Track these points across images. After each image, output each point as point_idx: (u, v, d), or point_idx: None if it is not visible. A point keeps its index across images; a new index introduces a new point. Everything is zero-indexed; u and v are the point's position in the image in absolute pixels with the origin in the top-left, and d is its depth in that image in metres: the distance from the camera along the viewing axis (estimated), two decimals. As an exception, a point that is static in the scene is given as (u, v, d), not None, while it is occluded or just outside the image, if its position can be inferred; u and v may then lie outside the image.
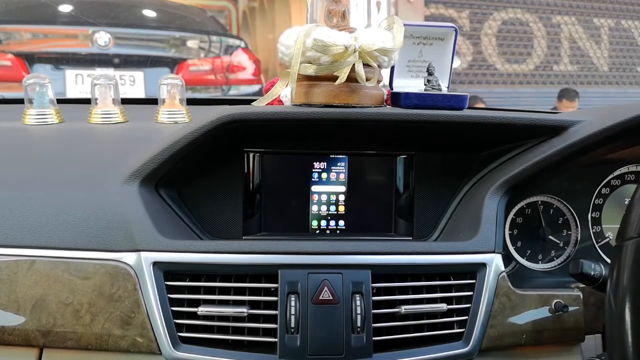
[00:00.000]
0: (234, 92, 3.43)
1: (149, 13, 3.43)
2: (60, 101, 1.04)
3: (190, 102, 1.06)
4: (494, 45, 6.36)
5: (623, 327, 0.60)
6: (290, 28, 0.86)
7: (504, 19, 6.37)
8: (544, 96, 6.28)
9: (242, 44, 3.61)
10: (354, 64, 0.82)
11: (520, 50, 6.49)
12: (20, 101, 1.04)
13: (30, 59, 2.94)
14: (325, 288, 0.78)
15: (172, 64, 3.25)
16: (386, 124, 0.86)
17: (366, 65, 0.84)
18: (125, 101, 1.06)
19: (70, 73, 3.00)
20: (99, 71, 3.11)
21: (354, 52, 0.82)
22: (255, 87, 3.42)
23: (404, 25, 0.87)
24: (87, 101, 1.05)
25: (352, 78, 0.83)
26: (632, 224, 0.63)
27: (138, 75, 3.11)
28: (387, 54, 0.84)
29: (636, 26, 7.02)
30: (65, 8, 3.15)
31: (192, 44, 3.39)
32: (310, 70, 0.82)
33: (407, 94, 0.88)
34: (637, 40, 7.05)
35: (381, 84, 0.92)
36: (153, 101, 1.08)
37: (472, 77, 6.29)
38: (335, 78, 0.82)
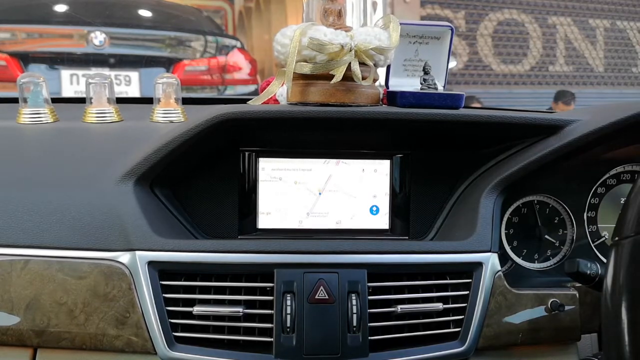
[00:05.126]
0: (230, 92, 3.43)
1: (145, 13, 3.43)
2: (55, 100, 1.04)
3: (186, 101, 1.06)
4: (490, 46, 6.37)
5: (619, 326, 0.60)
6: (286, 27, 0.86)
7: (500, 20, 6.38)
8: (540, 97, 6.29)
9: (238, 44, 3.61)
10: (350, 63, 0.82)
11: (516, 51, 6.50)
12: (14, 100, 1.03)
13: (25, 59, 2.93)
14: (321, 287, 0.78)
15: (168, 63, 3.25)
16: (382, 122, 0.86)
17: (362, 64, 0.84)
18: (120, 100, 1.06)
19: (65, 73, 2.99)
20: (94, 71, 3.11)
21: (350, 50, 0.81)
22: (252, 87, 3.42)
23: (400, 24, 0.87)
24: (82, 100, 1.04)
25: (348, 77, 0.83)
26: (628, 223, 0.63)
27: (134, 75, 3.10)
28: (384, 52, 0.84)
29: (631, 27, 7.04)
30: (61, 8, 3.14)
31: (188, 43, 3.38)
32: (306, 69, 0.82)
33: (403, 93, 0.88)
34: (632, 41, 7.07)
35: (377, 83, 0.91)
36: (148, 100, 1.07)
37: (468, 78, 6.29)
38: (331, 77, 0.82)
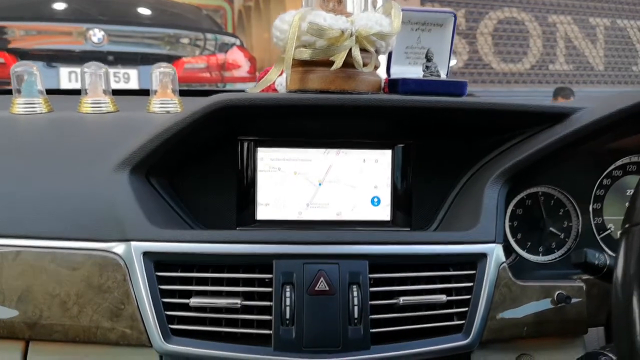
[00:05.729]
0: (229, 89, 3.42)
1: (144, 10, 3.41)
2: (50, 92, 1.02)
3: (183, 93, 1.04)
4: (490, 45, 6.36)
5: (630, 316, 0.58)
6: (286, 12, 0.84)
7: (500, 18, 6.38)
8: (540, 95, 6.28)
9: (238, 42, 3.59)
10: (350, 49, 0.80)
11: (516, 50, 6.49)
12: (9, 92, 1.01)
13: (23, 56, 2.91)
14: (321, 278, 0.76)
15: (167, 61, 3.20)
16: (384, 110, 0.84)
17: (363, 50, 0.82)
18: (117, 92, 1.04)
19: (64, 70, 2.97)
20: (93, 68, 3.08)
21: (351, 36, 0.79)
22: (250, 85, 3.39)
23: (402, 10, 0.85)
24: (77, 92, 1.02)
25: (348, 63, 0.81)
26: (638, 210, 0.61)
27: (132, 72, 3.08)
28: (385, 38, 0.82)
29: (632, 25, 7.03)
30: (59, 5, 3.13)
31: (187, 41, 3.36)
32: (306, 54, 0.80)
33: (405, 80, 0.86)
34: (632, 40, 7.06)
35: (378, 70, 0.89)
36: (145, 92, 1.05)
37: (468, 76, 6.29)
38: (331, 63, 0.80)
